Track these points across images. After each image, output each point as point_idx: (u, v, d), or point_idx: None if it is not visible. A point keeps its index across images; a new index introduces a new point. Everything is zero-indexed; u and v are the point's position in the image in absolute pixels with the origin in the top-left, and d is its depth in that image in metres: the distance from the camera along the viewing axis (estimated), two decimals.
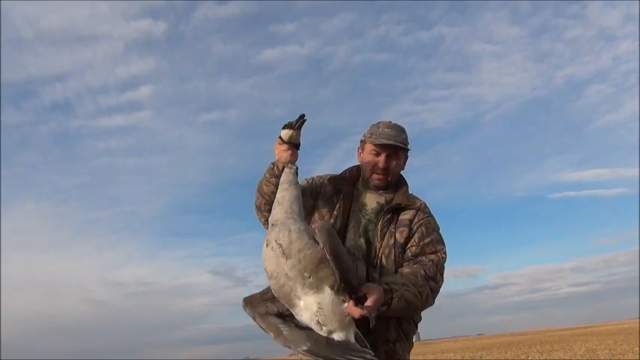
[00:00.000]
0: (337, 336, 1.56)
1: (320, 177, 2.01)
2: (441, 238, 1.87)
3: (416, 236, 1.83)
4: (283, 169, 1.75)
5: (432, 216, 1.90)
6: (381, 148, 1.88)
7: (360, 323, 1.60)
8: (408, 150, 1.94)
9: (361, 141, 1.98)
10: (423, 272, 1.74)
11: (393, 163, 1.90)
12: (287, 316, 1.65)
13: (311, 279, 1.52)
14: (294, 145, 1.76)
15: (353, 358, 1.53)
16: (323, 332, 1.57)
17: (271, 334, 1.66)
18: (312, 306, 1.55)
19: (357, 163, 2.01)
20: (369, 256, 1.82)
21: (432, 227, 1.86)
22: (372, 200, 1.92)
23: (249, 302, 1.72)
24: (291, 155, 1.75)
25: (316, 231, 1.56)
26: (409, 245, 1.82)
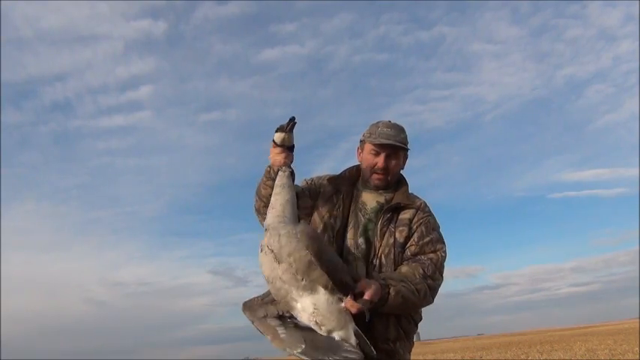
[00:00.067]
0: (337, 335, 1.58)
1: (320, 177, 2.02)
2: (441, 237, 1.88)
3: (415, 235, 1.83)
4: (277, 172, 1.76)
5: (431, 215, 1.91)
6: (381, 147, 1.88)
7: (359, 322, 1.61)
8: (407, 149, 1.94)
9: (361, 141, 1.98)
10: (421, 270, 1.75)
11: (393, 162, 1.90)
12: (288, 318, 1.67)
13: (304, 281, 1.56)
14: (287, 147, 1.77)
15: (344, 358, 1.55)
16: (322, 332, 1.59)
17: (269, 337, 1.69)
18: (309, 307, 1.58)
19: (357, 163, 2.02)
20: (368, 255, 1.83)
21: (431, 226, 1.86)
22: (371, 200, 1.92)
23: (249, 307, 1.76)
24: (285, 158, 1.77)
25: (297, 235, 1.58)
26: (408, 244, 1.82)
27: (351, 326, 1.58)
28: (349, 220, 1.90)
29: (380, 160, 1.89)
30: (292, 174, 1.79)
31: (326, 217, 1.90)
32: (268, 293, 1.71)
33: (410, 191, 1.95)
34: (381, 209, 1.88)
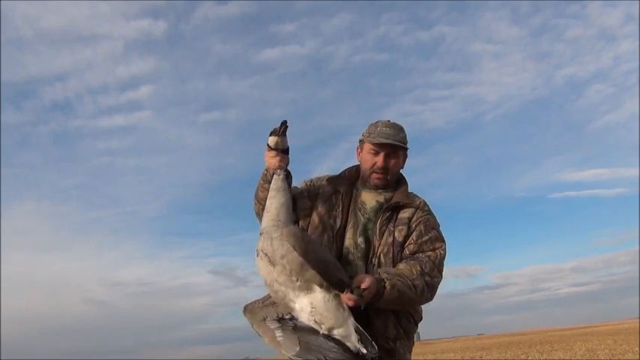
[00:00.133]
0: (337, 332, 1.60)
1: (319, 178, 2.02)
2: (441, 235, 1.88)
3: (414, 234, 1.83)
4: (273, 175, 1.78)
5: (431, 214, 1.90)
6: (380, 147, 1.88)
7: (359, 320, 1.62)
8: (406, 149, 1.95)
9: (360, 140, 1.99)
10: (418, 267, 1.75)
11: (392, 162, 1.90)
12: (288, 320, 1.69)
13: (299, 282, 1.58)
14: (281, 150, 1.78)
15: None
16: (323, 330, 1.60)
17: (266, 340, 1.72)
18: (307, 307, 1.60)
19: (357, 163, 2.02)
20: (367, 254, 1.83)
21: (430, 225, 1.86)
22: (371, 199, 1.92)
23: (250, 310, 1.79)
24: (279, 161, 1.78)
25: (283, 236, 1.61)
26: (407, 243, 1.83)
27: (351, 322, 1.59)
28: (349, 219, 1.90)
29: (379, 160, 1.89)
30: (288, 177, 1.80)
31: (325, 217, 1.90)
32: (269, 296, 1.74)
33: (410, 190, 1.96)
34: (380, 208, 1.88)
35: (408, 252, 1.81)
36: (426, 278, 1.74)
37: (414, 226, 1.84)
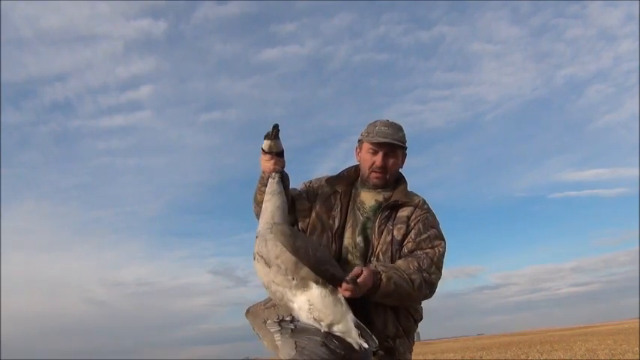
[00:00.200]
0: (337, 328, 1.60)
1: (318, 179, 2.03)
2: (440, 233, 1.88)
3: (412, 232, 1.84)
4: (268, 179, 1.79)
5: (430, 212, 1.91)
6: (378, 146, 1.89)
7: (358, 317, 1.62)
8: (405, 148, 1.95)
9: (359, 140, 1.99)
10: (416, 263, 1.76)
11: (391, 161, 1.91)
12: (289, 322, 1.70)
13: (295, 280, 1.60)
14: (276, 153, 1.79)
15: None
16: (323, 327, 1.61)
17: (265, 343, 1.74)
18: (304, 305, 1.61)
19: (357, 163, 2.02)
20: (366, 253, 1.84)
21: (429, 223, 1.86)
22: (370, 198, 1.93)
23: (252, 312, 1.81)
24: (274, 164, 1.79)
25: (272, 234, 1.63)
26: (406, 241, 1.83)
27: (350, 317, 1.60)
28: (347, 219, 1.91)
29: (378, 159, 1.89)
30: (283, 179, 1.81)
31: (324, 217, 1.91)
32: (270, 298, 1.75)
33: (409, 189, 1.96)
34: (379, 207, 1.89)
35: (406, 250, 1.82)
36: (424, 274, 1.75)
37: (412, 224, 1.85)
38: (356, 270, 1.63)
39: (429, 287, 1.76)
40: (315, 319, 1.61)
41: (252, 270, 1.71)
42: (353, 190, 1.97)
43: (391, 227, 1.85)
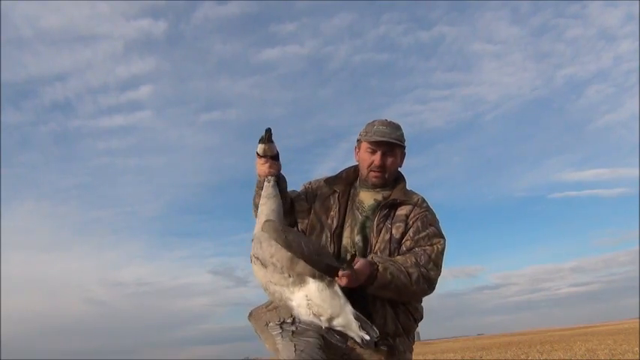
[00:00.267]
0: (337, 322, 1.60)
1: (318, 180, 2.04)
2: (439, 231, 1.87)
3: (411, 231, 1.84)
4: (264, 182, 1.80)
5: (429, 210, 1.91)
6: (377, 145, 1.89)
7: (357, 309, 1.62)
8: (404, 147, 1.95)
9: (357, 140, 2.00)
10: (413, 259, 1.76)
11: (389, 160, 1.91)
12: (290, 324, 1.70)
13: (291, 277, 1.60)
14: (270, 157, 1.80)
15: None
16: (323, 322, 1.61)
17: (267, 345, 1.75)
18: (303, 301, 1.61)
19: (356, 163, 2.02)
20: (365, 252, 1.84)
21: (428, 222, 1.86)
22: (369, 197, 1.93)
23: (254, 315, 1.82)
24: (269, 168, 1.80)
25: (263, 230, 1.65)
26: (404, 240, 1.83)
27: (349, 309, 1.60)
28: (346, 219, 1.91)
29: (376, 158, 1.90)
30: (279, 182, 1.82)
31: (323, 217, 1.92)
32: (271, 301, 1.76)
33: (409, 188, 1.96)
34: (378, 206, 1.89)
35: (404, 248, 1.82)
36: (422, 269, 1.74)
37: (411, 222, 1.85)
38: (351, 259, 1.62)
39: (427, 282, 1.75)
40: (314, 315, 1.61)
41: (252, 270, 1.72)
42: (352, 190, 1.97)
43: (390, 226, 1.85)
